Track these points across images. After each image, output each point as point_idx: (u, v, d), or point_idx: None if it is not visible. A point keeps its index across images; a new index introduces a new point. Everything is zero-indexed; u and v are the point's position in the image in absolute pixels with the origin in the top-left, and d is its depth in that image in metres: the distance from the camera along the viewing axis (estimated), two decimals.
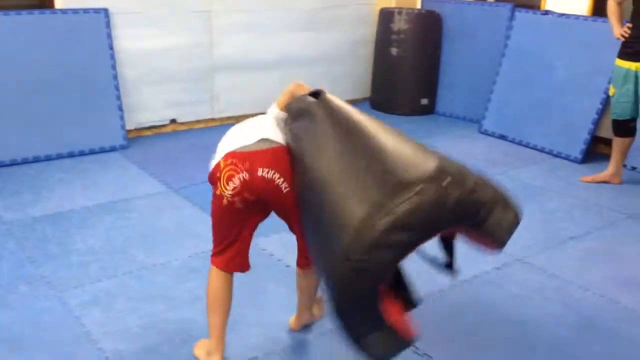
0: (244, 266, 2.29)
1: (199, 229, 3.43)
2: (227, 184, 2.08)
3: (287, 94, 2.26)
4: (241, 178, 2.06)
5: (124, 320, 2.60)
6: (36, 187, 3.97)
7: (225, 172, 2.08)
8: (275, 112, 2.25)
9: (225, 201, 2.11)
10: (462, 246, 3.26)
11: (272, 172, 2.06)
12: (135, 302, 2.73)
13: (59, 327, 2.54)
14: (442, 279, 2.91)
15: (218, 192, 2.12)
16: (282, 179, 2.08)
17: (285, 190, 2.09)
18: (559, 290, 2.89)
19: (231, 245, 2.23)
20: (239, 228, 2.20)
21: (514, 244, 3.26)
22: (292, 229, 2.26)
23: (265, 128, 2.17)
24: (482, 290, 2.87)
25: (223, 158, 2.11)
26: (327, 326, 2.55)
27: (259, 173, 2.06)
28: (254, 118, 2.28)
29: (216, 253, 2.27)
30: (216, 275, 2.27)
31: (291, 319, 2.57)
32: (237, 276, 2.31)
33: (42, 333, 2.50)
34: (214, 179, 2.15)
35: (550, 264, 3.12)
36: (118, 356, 2.37)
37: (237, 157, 2.08)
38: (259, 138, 2.11)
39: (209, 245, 3.19)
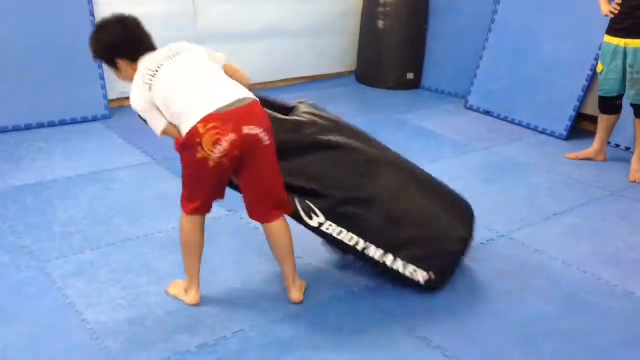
0: (211, 206, 2.39)
1: None
2: (214, 147, 2.11)
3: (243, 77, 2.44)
4: (229, 140, 2.12)
5: (108, 291, 2.57)
6: (16, 157, 3.89)
7: (210, 137, 2.10)
8: (219, 64, 2.38)
9: (212, 163, 2.14)
10: None
11: (255, 127, 2.18)
12: (119, 273, 2.70)
13: (42, 298, 2.51)
14: None
15: (200, 155, 2.13)
16: (264, 132, 2.21)
17: (265, 143, 2.21)
18: (543, 265, 2.92)
19: (206, 197, 2.32)
20: (219, 183, 2.28)
21: (499, 219, 3.31)
22: (254, 183, 2.31)
23: (229, 84, 2.26)
24: (466, 266, 2.88)
25: (201, 122, 2.11)
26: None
27: (245, 131, 2.15)
28: (195, 67, 2.31)
29: (188, 202, 2.34)
30: (189, 220, 2.36)
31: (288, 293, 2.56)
32: None
33: (25, 304, 2.47)
34: (190, 143, 2.15)
35: (534, 239, 3.14)
36: (102, 327, 2.34)
37: (220, 120, 2.11)
38: (235, 99, 2.18)
39: None
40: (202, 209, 2.36)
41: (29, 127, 4.35)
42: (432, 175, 2.87)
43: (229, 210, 3.25)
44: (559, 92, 4.69)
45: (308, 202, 2.50)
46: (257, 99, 2.27)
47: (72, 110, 4.53)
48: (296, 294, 2.52)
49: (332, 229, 2.52)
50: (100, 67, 4.59)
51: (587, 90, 4.55)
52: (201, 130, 2.11)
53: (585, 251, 3.05)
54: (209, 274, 2.69)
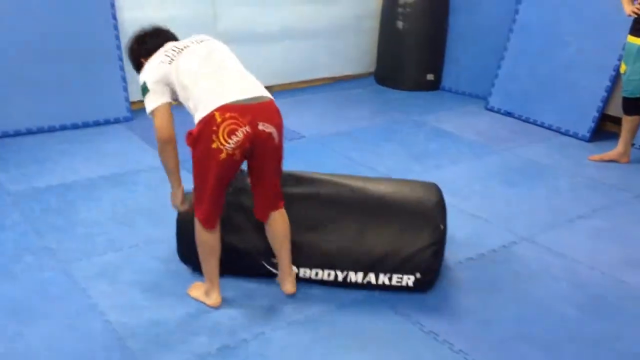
0: (218, 213, 2.38)
1: None
2: (230, 137, 2.14)
3: None
4: (244, 131, 2.16)
5: (131, 292, 2.59)
6: (40, 158, 3.94)
7: (226, 126, 2.13)
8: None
9: (224, 154, 2.16)
10: (468, 225, 3.27)
11: (269, 125, 2.22)
12: (141, 274, 2.72)
13: (66, 299, 2.54)
14: (448, 257, 2.91)
15: (214, 145, 2.15)
16: (276, 132, 2.26)
17: (276, 141, 2.28)
18: (566, 269, 2.88)
19: (216, 201, 2.31)
20: (225, 179, 2.27)
21: (520, 222, 3.28)
22: (260, 178, 2.35)
23: (250, 79, 2.29)
24: (489, 269, 2.86)
25: (218, 111, 2.13)
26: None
27: (259, 127, 2.19)
28: (221, 56, 2.37)
29: (199, 205, 2.33)
30: (208, 234, 2.37)
31: (281, 286, 2.58)
32: None
33: (48, 304, 2.50)
34: (206, 131, 2.16)
35: (558, 243, 3.10)
36: (124, 328, 2.36)
37: (237, 111, 2.14)
38: (254, 95, 2.22)
39: None
40: (212, 215, 2.34)
41: (52, 130, 4.41)
42: (395, 180, 2.98)
43: None
44: (582, 93, 4.64)
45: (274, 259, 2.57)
46: (273, 98, 2.31)
47: (95, 113, 4.57)
48: (289, 286, 2.55)
49: (308, 273, 2.59)
50: (122, 69, 4.64)
51: (611, 91, 4.49)
52: (218, 119, 2.13)
53: (610, 255, 3.01)
54: (228, 276, 2.70)
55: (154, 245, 2.97)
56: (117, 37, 4.61)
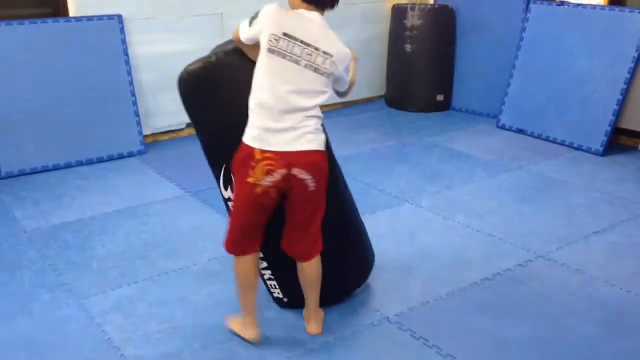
0: (251, 248, 2.38)
1: (218, 233, 3.41)
2: (266, 176, 2.16)
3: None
4: (281, 173, 2.16)
5: (145, 325, 2.60)
6: (56, 195, 4.00)
7: (263, 166, 2.15)
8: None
9: (259, 189, 2.18)
10: (483, 244, 3.24)
11: (306, 173, 2.19)
12: (156, 307, 2.73)
13: (81, 335, 2.55)
14: (463, 278, 2.89)
15: (250, 180, 2.17)
16: (312, 180, 2.22)
17: (311, 189, 2.23)
18: (584, 286, 2.84)
19: (246, 231, 2.33)
20: (261, 215, 2.28)
21: (536, 239, 3.24)
22: (291, 218, 2.32)
23: (302, 129, 2.17)
24: (505, 288, 2.83)
25: (259, 150, 2.14)
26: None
27: (294, 171, 2.17)
28: (298, 87, 2.17)
29: (230, 237, 2.36)
30: (241, 261, 2.38)
31: (307, 326, 2.56)
32: None
33: (64, 341, 2.51)
34: (246, 163, 2.17)
35: (574, 259, 3.07)
36: None
37: (277, 155, 2.15)
38: (296, 149, 2.16)
39: None
40: (238, 242, 2.36)
41: (68, 166, 4.48)
42: None
43: None
44: (593, 107, 4.61)
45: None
46: (322, 149, 2.24)
47: (109, 147, 4.64)
48: (314, 327, 2.51)
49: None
50: (134, 103, 4.71)
51: (622, 103, 4.46)
52: (257, 156, 2.15)
53: (628, 270, 2.96)
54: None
55: (168, 277, 2.98)
56: (129, 73, 4.69)
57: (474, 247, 3.23)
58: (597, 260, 3.06)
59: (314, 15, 2.20)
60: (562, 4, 4.92)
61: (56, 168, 4.43)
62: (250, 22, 2.22)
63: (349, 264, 2.70)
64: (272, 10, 2.17)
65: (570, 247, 3.19)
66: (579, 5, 4.78)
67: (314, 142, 2.21)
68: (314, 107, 2.20)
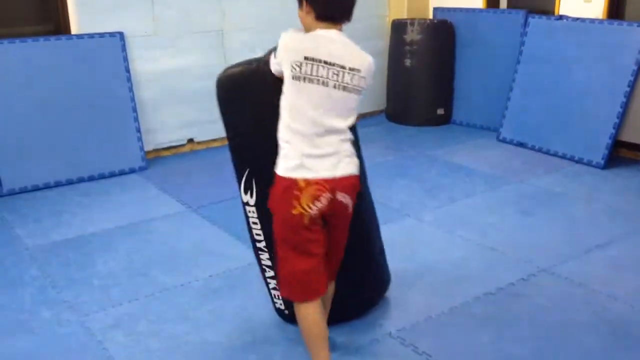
0: (323, 286, 2.21)
1: (219, 248, 3.43)
2: (313, 202, 2.06)
3: None
4: (328, 198, 2.08)
5: (147, 343, 2.59)
6: (58, 212, 4.00)
7: (310, 191, 2.05)
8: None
9: (307, 220, 2.08)
10: (485, 258, 3.23)
11: (349, 197, 2.16)
12: (157, 324, 2.72)
13: (82, 352, 2.54)
14: (466, 292, 2.88)
15: (295, 212, 2.06)
16: (351, 204, 2.18)
17: (348, 212, 2.20)
18: (587, 300, 2.83)
19: (303, 270, 2.15)
20: (312, 248, 2.15)
21: (538, 253, 3.24)
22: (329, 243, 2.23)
23: (343, 152, 2.13)
24: (508, 302, 2.81)
25: (302, 179, 2.05)
26: None
27: (338, 196, 2.11)
28: (332, 104, 2.10)
29: (289, 285, 2.19)
30: (305, 308, 2.19)
31: None
32: None
33: (65, 358, 2.50)
34: (287, 196, 2.07)
35: (577, 273, 3.05)
36: None
37: (321, 181, 2.08)
38: (340, 175, 2.11)
39: (229, 264, 3.21)
40: (307, 290, 2.18)
41: (70, 182, 4.48)
42: None
43: None
44: (593, 120, 4.62)
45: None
46: (357, 174, 2.20)
47: (111, 164, 4.65)
48: None
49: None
50: (136, 120, 4.73)
51: (623, 116, 4.47)
52: (301, 184, 2.05)
53: (631, 284, 2.95)
54: (246, 321, 2.69)
55: (169, 293, 2.97)
56: (131, 89, 4.72)
57: (476, 261, 3.22)
58: (599, 274, 3.04)
59: (332, 33, 2.13)
60: (560, 18, 4.94)
61: (58, 185, 4.44)
62: (275, 54, 2.14)
63: (370, 280, 2.70)
64: (289, 37, 2.12)
65: (573, 261, 3.18)
66: (577, 19, 4.81)
67: (352, 165, 2.17)
68: (347, 128, 2.15)
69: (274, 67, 2.17)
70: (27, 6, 4.61)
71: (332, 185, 2.09)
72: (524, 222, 3.69)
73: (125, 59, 4.70)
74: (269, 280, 2.62)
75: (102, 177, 4.59)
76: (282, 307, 2.65)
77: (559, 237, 3.46)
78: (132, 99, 4.73)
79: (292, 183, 2.06)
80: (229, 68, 2.42)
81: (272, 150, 2.27)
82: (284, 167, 2.09)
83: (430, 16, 6.11)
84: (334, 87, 2.07)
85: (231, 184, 4.41)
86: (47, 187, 4.40)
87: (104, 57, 4.63)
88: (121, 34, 4.67)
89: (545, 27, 5.02)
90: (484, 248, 3.36)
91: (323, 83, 2.06)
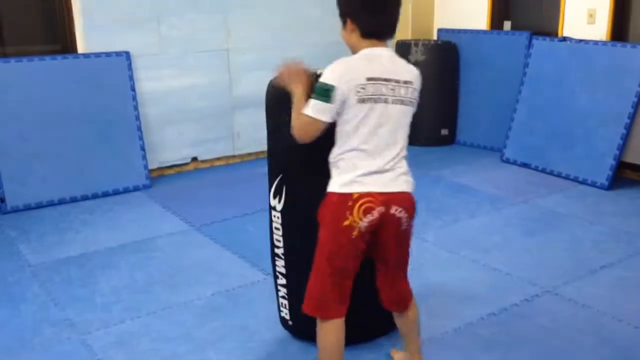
0: (345, 306, 2.18)
1: (222, 267, 3.42)
2: (365, 215, 2.06)
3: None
4: (380, 211, 2.07)
5: None
6: (61, 229, 4.00)
7: (363, 203, 2.05)
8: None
9: (356, 232, 2.07)
10: (489, 279, 3.21)
11: (404, 212, 2.12)
12: (159, 342, 2.71)
13: None
14: (470, 313, 2.86)
15: (346, 223, 2.06)
16: (407, 220, 2.15)
17: (404, 227, 2.16)
18: (592, 321, 2.80)
19: (337, 286, 2.14)
20: (352, 264, 2.14)
21: (543, 274, 3.22)
22: (383, 263, 2.23)
23: (399, 170, 2.13)
24: (511, 323, 2.79)
25: (357, 192, 2.05)
26: None
27: (392, 211, 2.09)
28: (390, 124, 2.09)
29: (316, 298, 2.16)
30: (330, 327, 2.16)
31: (397, 353, 2.51)
32: None
33: None
34: (340, 207, 2.06)
35: (581, 294, 3.03)
36: None
37: (375, 194, 2.07)
38: (396, 190, 2.10)
39: (232, 283, 3.20)
40: (332, 304, 2.15)
41: (74, 200, 4.49)
42: None
43: (267, 274, 3.25)
44: (598, 142, 4.62)
45: None
46: (411, 191, 2.17)
47: (115, 182, 4.66)
48: None
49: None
50: (140, 138, 4.76)
51: (626, 138, 4.47)
52: (355, 196, 2.05)
53: (636, 305, 2.93)
54: (248, 340, 2.68)
55: (171, 311, 2.96)
56: (136, 108, 4.75)
57: (480, 281, 3.20)
58: (604, 296, 3.02)
59: (380, 50, 2.11)
60: (564, 39, 4.97)
61: (62, 202, 4.45)
62: (326, 98, 2.02)
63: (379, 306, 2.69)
64: (342, 67, 2.05)
65: (577, 282, 3.16)
66: (581, 41, 4.83)
67: (408, 183, 2.16)
68: (405, 144, 2.16)
69: (327, 114, 2.04)
70: (34, 25, 4.67)
71: (386, 198, 2.08)
72: (528, 242, 3.67)
73: (131, 78, 4.74)
74: (279, 287, 2.63)
75: (106, 195, 4.60)
76: (287, 316, 2.64)
77: (563, 258, 3.44)
78: (137, 118, 4.76)
79: (345, 197, 2.06)
80: (274, 78, 2.48)
81: (307, 161, 2.35)
82: (339, 184, 2.09)
83: (435, 37, 6.15)
84: (393, 102, 2.09)
85: (235, 203, 4.45)
86: (51, 204, 4.41)
87: (110, 76, 4.66)
88: (127, 54, 4.71)
89: (549, 49, 5.04)
90: (487, 268, 3.34)
91: (385, 101, 2.07)
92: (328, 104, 2.01)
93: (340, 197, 2.07)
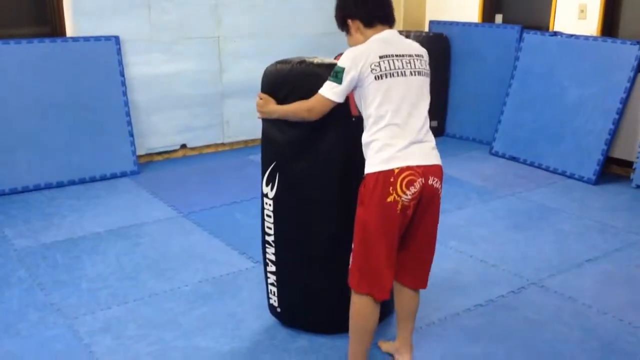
0: (390, 285, 2.24)
1: (209, 254, 3.41)
2: (408, 188, 2.10)
3: None
4: (421, 182, 2.12)
5: (135, 347, 2.56)
6: (47, 214, 3.97)
7: (405, 177, 2.09)
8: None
9: (399, 207, 2.11)
10: (476, 270, 3.24)
11: (438, 181, 2.20)
12: (145, 328, 2.70)
13: (69, 355, 2.51)
14: (456, 304, 2.87)
15: (390, 199, 2.09)
16: (440, 189, 2.22)
17: (438, 197, 2.24)
18: (577, 314, 2.83)
19: (388, 263, 2.17)
20: (398, 237, 2.18)
21: (529, 267, 3.24)
22: (413, 239, 2.25)
23: (429, 143, 2.19)
24: (498, 315, 2.81)
25: (397, 168, 2.09)
26: None
27: (430, 182, 2.16)
28: (415, 92, 2.18)
29: (362, 275, 2.18)
30: (367, 302, 2.20)
31: (385, 344, 2.53)
32: None
33: None
34: (383, 182, 2.09)
35: (567, 287, 3.06)
36: None
37: (415, 167, 2.12)
38: (431, 163, 2.16)
39: (219, 270, 3.20)
40: (378, 280, 2.18)
41: (60, 185, 4.46)
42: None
43: (255, 262, 3.25)
44: (586, 136, 4.65)
45: None
46: (441, 164, 2.22)
47: (102, 167, 4.63)
48: (409, 357, 2.43)
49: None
50: (129, 124, 4.72)
51: (614, 133, 4.50)
52: (396, 171, 2.09)
53: (621, 299, 2.96)
54: (235, 328, 2.68)
55: (158, 298, 2.95)
56: (125, 93, 4.71)
57: (467, 273, 3.22)
58: (590, 289, 3.05)
59: (387, 32, 2.24)
60: (555, 34, 4.99)
61: (48, 187, 4.41)
62: (337, 79, 2.13)
63: None
64: (354, 51, 2.16)
65: (563, 275, 3.19)
66: (571, 36, 4.85)
67: (438, 156, 2.23)
68: (427, 113, 2.22)
69: (338, 94, 2.15)
70: (22, 8, 4.60)
71: (424, 170, 2.14)
72: (515, 235, 3.69)
73: (120, 63, 4.69)
74: (269, 274, 2.64)
75: (93, 180, 4.56)
76: (276, 303, 2.65)
77: (550, 251, 3.47)
78: (126, 103, 4.72)
79: (386, 174, 2.10)
80: (278, 62, 2.52)
81: (300, 151, 2.40)
82: (377, 162, 2.11)
83: (426, 29, 6.15)
84: (411, 74, 2.18)
85: (223, 191, 4.44)
86: (38, 189, 4.37)
87: (99, 60, 4.62)
88: (117, 38, 4.66)
89: (539, 43, 5.06)
90: (475, 260, 3.36)
91: (402, 74, 2.16)
92: (338, 85, 2.13)
93: (380, 174, 2.10)
